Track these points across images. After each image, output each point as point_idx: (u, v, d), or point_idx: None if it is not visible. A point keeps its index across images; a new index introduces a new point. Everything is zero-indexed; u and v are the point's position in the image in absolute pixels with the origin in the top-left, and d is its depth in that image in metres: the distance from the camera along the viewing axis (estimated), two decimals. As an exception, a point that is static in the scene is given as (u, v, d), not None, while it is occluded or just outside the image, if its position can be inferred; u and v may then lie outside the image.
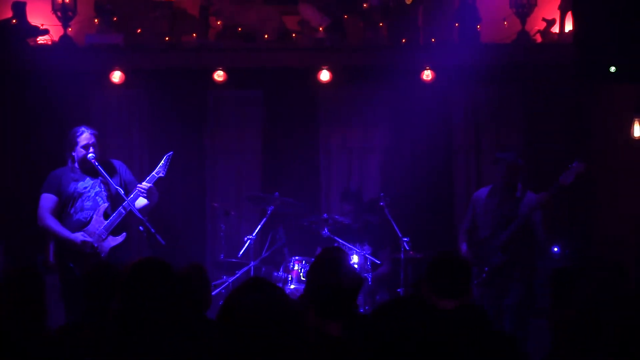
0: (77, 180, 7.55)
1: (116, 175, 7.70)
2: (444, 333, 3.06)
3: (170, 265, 4.21)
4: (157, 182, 7.74)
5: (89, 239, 7.41)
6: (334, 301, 4.48)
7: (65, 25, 9.73)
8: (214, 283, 8.56)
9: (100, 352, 4.10)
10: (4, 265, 9.10)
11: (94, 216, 7.50)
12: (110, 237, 7.52)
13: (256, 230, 9.06)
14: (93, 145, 7.57)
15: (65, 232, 7.43)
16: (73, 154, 7.59)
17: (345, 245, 8.81)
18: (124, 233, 7.62)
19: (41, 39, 9.77)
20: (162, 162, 7.78)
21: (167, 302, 3.91)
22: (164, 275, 4.07)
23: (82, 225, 7.46)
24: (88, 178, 7.59)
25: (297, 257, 8.81)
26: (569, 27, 9.53)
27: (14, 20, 9.60)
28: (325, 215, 9.14)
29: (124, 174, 7.79)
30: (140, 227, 7.51)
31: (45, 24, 9.74)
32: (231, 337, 3.12)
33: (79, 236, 7.41)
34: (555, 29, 9.86)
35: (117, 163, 7.84)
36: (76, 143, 7.58)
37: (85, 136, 7.59)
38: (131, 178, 7.81)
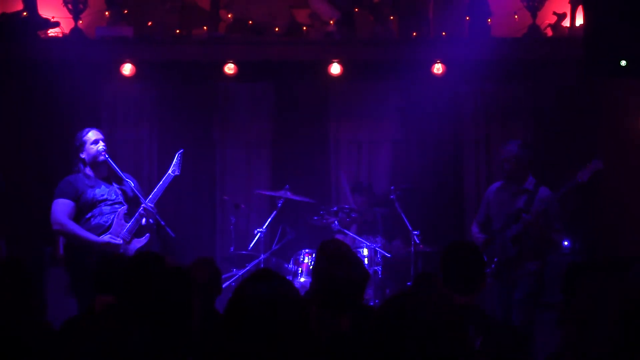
0: (94, 187, 7.35)
1: (126, 183, 7.63)
2: (452, 328, 3.05)
3: (164, 258, 4.20)
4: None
5: (119, 241, 7.34)
6: (341, 294, 4.48)
7: (75, 18, 9.73)
8: (223, 276, 8.58)
9: (104, 345, 4.10)
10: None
11: (115, 219, 7.36)
12: (135, 240, 7.45)
13: (266, 223, 9.09)
14: (102, 140, 7.52)
15: (93, 237, 7.24)
16: (82, 156, 7.45)
17: (356, 239, 8.82)
18: (147, 234, 7.56)
19: (52, 32, 9.76)
20: (175, 160, 7.74)
21: (163, 295, 3.90)
22: (157, 269, 4.06)
23: (102, 230, 7.32)
24: (103, 185, 7.44)
25: (307, 250, 8.83)
26: (579, 21, 9.51)
27: (25, 13, 9.61)
28: (335, 207, 9.15)
29: (135, 186, 7.72)
30: (151, 220, 7.50)
31: (56, 16, 9.75)
32: (238, 328, 3.13)
33: (110, 239, 7.27)
34: (566, 22, 9.83)
35: (128, 176, 7.75)
36: (84, 142, 7.43)
37: (92, 133, 7.48)
38: (139, 194, 7.73)
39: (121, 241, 7.31)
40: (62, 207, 7.32)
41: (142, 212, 7.42)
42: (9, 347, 4.22)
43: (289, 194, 9.08)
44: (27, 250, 9.27)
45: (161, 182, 7.67)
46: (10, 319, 4.47)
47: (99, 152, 7.43)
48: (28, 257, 8.83)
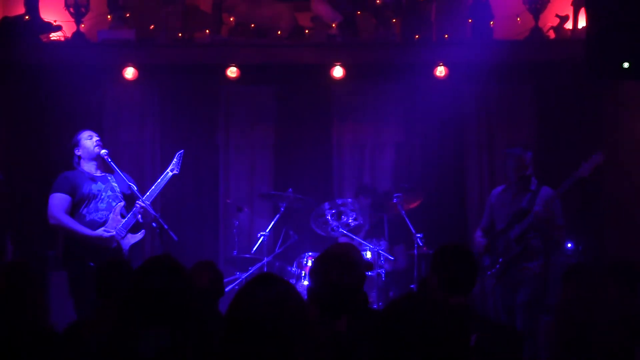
0: (90, 183, 7.47)
1: (123, 180, 7.69)
2: (452, 329, 3.05)
3: (178, 262, 4.20)
4: (170, 179, 7.78)
5: (112, 233, 7.40)
6: (335, 297, 4.49)
7: (78, 22, 9.74)
8: (226, 280, 8.58)
9: (108, 348, 4.09)
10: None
11: (111, 216, 7.46)
12: (130, 235, 7.52)
13: (269, 227, 9.09)
14: (97, 136, 7.63)
15: (87, 230, 7.33)
16: (78, 152, 7.56)
17: (356, 240, 8.80)
18: (143, 230, 7.63)
19: (54, 35, 9.78)
20: (175, 160, 7.81)
21: (171, 297, 3.89)
22: (168, 273, 4.05)
23: (97, 226, 7.41)
24: (100, 182, 7.54)
25: (310, 253, 8.81)
26: (582, 23, 9.49)
27: (27, 17, 9.62)
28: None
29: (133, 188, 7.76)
30: (154, 224, 7.51)
31: (58, 20, 9.76)
32: (239, 331, 3.13)
33: (103, 232, 7.40)
34: (569, 25, 9.82)
35: (127, 176, 7.78)
36: (78, 140, 7.57)
37: (86, 132, 7.64)
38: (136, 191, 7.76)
39: (114, 233, 7.39)
40: (58, 202, 7.43)
41: (139, 208, 7.47)
42: (14, 350, 4.23)
43: (291, 196, 9.08)
44: (30, 253, 9.27)
45: (159, 180, 7.74)
46: (15, 322, 4.47)
47: (93, 145, 7.56)
48: (31, 260, 8.82)
